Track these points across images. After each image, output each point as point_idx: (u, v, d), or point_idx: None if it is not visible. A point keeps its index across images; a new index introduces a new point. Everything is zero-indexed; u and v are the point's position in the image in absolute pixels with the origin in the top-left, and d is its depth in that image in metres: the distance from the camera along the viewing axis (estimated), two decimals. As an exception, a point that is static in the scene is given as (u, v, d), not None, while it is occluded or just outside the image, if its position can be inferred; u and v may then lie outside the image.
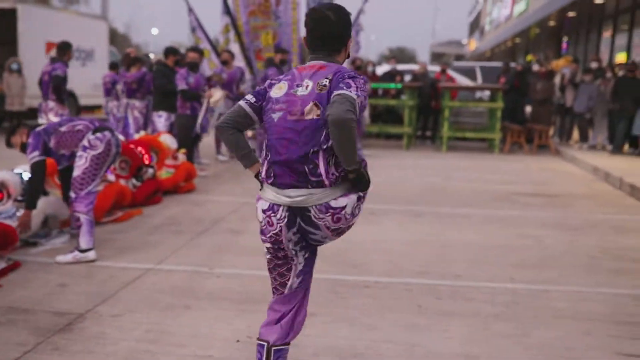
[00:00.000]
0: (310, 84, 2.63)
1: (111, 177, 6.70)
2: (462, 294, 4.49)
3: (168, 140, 7.95)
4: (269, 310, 2.86)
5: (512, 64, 16.91)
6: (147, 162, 7.22)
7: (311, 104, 2.59)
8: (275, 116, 2.65)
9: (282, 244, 2.72)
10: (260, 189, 2.74)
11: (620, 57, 17.31)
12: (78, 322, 3.85)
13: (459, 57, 65.32)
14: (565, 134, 14.30)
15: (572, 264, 5.29)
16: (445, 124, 13.29)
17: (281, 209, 2.64)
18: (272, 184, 2.65)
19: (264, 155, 2.70)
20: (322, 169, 2.58)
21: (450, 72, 15.45)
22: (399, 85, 13.85)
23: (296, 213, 2.64)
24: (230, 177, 9.21)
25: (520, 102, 14.09)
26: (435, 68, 16.43)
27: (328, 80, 2.60)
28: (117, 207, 6.55)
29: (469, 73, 17.17)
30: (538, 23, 24.65)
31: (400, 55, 67.98)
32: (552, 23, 24.07)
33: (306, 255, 2.80)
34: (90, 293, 4.35)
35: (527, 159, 12.31)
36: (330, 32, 2.71)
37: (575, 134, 14.36)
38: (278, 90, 2.69)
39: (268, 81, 2.78)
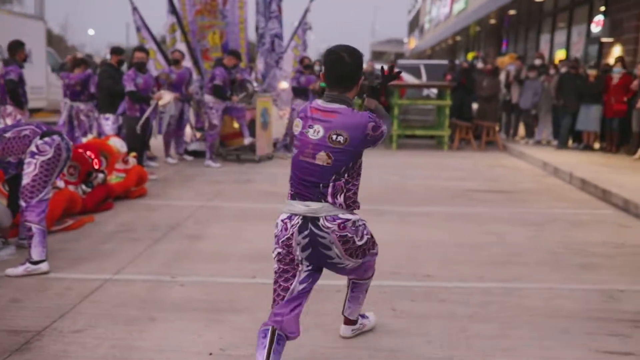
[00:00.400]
0: (321, 130, 3.02)
1: (60, 183, 6.37)
2: (436, 295, 4.42)
3: (118, 144, 7.63)
4: (270, 319, 3.11)
5: (457, 62, 17.10)
6: (96, 166, 6.91)
7: (323, 153, 3.01)
8: (295, 151, 3.13)
9: (292, 248, 3.08)
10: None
11: (560, 54, 17.75)
12: (36, 341, 3.59)
13: (399, 56, 66.04)
14: (511, 130, 14.52)
15: (538, 261, 5.29)
16: (395, 122, 13.29)
17: (297, 217, 3.07)
18: (292, 199, 3.11)
19: (290, 175, 3.15)
20: (330, 198, 3.04)
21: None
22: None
23: (308, 220, 3.05)
24: (181, 180, 8.94)
25: (467, 99, 14.22)
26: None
27: (343, 138, 2.99)
28: (67, 214, 6.23)
29: (414, 71, 17.26)
30: (478, 21, 25.08)
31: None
32: (492, 21, 24.52)
33: (309, 267, 3.14)
34: (47, 308, 4.08)
35: (476, 156, 12.43)
36: (345, 72, 3.07)
37: (521, 129, 14.61)
38: (296, 128, 3.11)
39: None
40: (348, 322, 3.67)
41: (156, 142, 10.68)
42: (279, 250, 3.12)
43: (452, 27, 31.17)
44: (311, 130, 3.02)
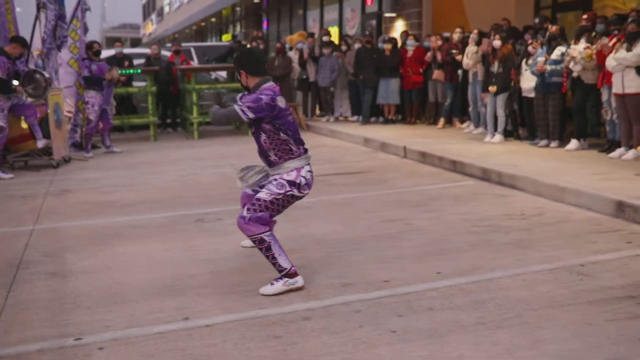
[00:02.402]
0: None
1: None
2: (417, 304, 3.79)
3: None
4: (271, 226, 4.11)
5: (243, 41, 16.42)
6: None
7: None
8: (287, 119, 4.12)
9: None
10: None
11: (332, 31, 17.98)
12: None
13: (136, 42, 63.24)
14: (310, 108, 14.29)
15: (471, 245, 4.94)
16: (195, 109, 12.25)
17: (309, 165, 4.19)
18: (305, 153, 4.16)
19: (296, 140, 4.11)
20: None
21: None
22: (139, 71, 12.36)
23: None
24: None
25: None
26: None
27: None
28: None
29: (185, 54, 16.18)
30: (239, 2, 24.60)
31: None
32: (255, 0, 24.17)
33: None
34: None
35: (286, 138, 11.95)
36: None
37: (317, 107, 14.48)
38: (280, 103, 4.07)
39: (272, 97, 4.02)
40: None
41: None
42: (306, 192, 4.16)
43: (205, 9, 30.21)
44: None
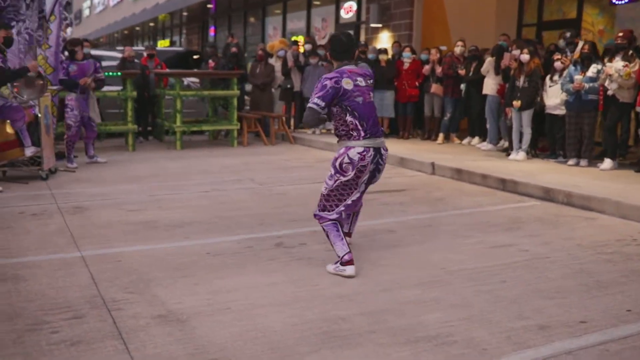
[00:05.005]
0: (361, 79, 4.38)
1: None
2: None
3: None
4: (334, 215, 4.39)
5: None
6: None
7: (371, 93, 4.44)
8: (356, 100, 4.29)
9: (362, 173, 4.29)
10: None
11: (299, 39, 17.32)
12: None
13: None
14: (296, 120, 13.53)
15: (620, 275, 4.41)
16: (178, 117, 11.24)
17: (371, 149, 4.30)
18: (364, 138, 4.29)
19: (362, 125, 4.29)
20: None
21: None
22: (119, 73, 11.22)
23: (377, 151, 4.36)
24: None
25: (239, 87, 12.80)
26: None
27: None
28: None
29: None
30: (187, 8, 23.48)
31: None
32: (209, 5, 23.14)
33: (361, 190, 4.44)
34: None
35: (278, 151, 11.19)
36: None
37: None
38: (347, 85, 4.25)
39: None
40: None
41: None
42: (350, 174, 4.29)
43: (138, 16, 28.69)
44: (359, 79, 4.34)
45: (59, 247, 5.03)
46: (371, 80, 4.46)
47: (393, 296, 3.99)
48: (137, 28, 32.38)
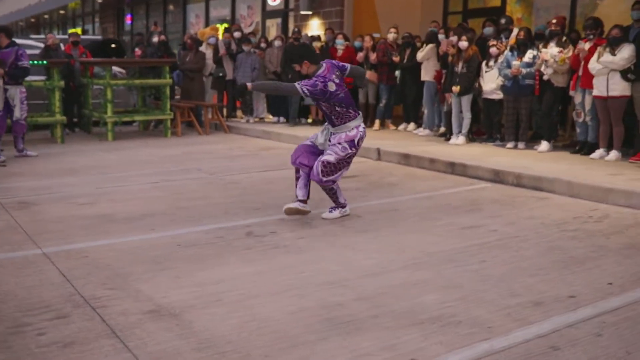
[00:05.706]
0: (339, 72, 5.28)
1: None
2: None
3: None
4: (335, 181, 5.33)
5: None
6: None
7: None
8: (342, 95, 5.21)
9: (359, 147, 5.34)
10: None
11: (222, 27, 17.00)
12: None
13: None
14: (229, 108, 13.26)
15: (591, 251, 4.58)
16: (109, 107, 10.79)
17: (362, 124, 5.34)
18: (360, 116, 5.30)
19: (351, 107, 5.24)
20: None
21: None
22: (45, 62, 10.61)
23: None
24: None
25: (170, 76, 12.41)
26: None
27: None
28: None
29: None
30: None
31: None
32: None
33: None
34: None
35: (213, 140, 10.96)
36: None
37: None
38: (331, 84, 5.11)
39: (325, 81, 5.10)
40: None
41: None
42: (355, 149, 5.27)
43: (45, 3, 27.30)
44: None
45: (16, 245, 4.72)
46: (345, 72, 5.34)
47: (383, 280, 3.98)
48: (46, 16, 30.83)
